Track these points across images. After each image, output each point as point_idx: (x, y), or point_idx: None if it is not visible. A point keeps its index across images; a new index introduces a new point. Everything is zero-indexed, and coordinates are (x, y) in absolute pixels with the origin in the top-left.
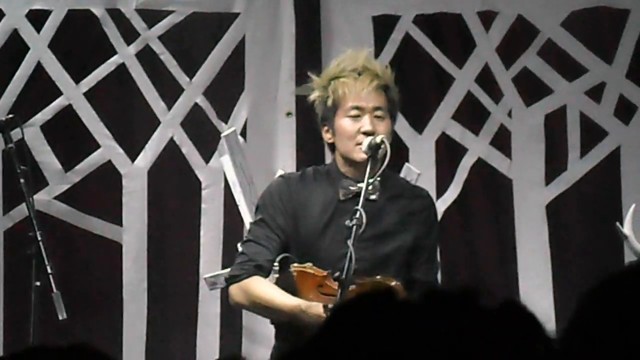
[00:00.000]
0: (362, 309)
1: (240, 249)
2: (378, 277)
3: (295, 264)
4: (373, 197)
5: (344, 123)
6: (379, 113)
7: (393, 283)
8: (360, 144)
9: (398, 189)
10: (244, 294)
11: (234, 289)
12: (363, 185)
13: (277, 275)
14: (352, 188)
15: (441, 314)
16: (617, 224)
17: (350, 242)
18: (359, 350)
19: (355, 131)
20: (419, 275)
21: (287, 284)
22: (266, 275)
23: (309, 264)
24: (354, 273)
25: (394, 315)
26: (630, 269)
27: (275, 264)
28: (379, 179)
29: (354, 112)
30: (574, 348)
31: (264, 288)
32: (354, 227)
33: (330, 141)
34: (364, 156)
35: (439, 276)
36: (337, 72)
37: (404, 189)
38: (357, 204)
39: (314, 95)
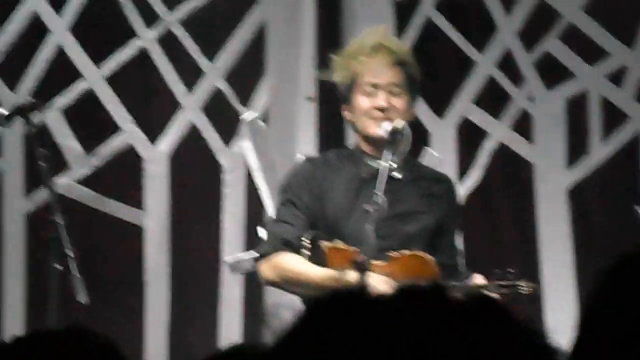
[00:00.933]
0: (335, 305)
1: (265, 230)
2: (409, 251)
3: (325, 242)
4: (398, 175)
5: (360, 99)
6: (394, 89)
7: (428, 257)
8: (374, 118)
9: (421, 171)
10: (274, 269)
11: (263, 266)
12: (385, 163)
13: (307, 253)
14: (374, 165)
15: (412, 308)
16: (636, 207)
17: (368, 225)
18: (330, 346)
19: (370, 107)
20: (443, 259)
21: (318, 260)
22: (295, 251)
23: (339, 241)
24: (381, 251)
25: (366, 311)
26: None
27: (307, 240)
28: (403, 157)
29: (369, 89)
30: (593, 326)
31: (295, 262)
32: (373, 211)
33: (350, 119)
34: (380, 132)
35: (460, 260)
36: (354, 51)
37: (426, 172)
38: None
39: (335, 76)
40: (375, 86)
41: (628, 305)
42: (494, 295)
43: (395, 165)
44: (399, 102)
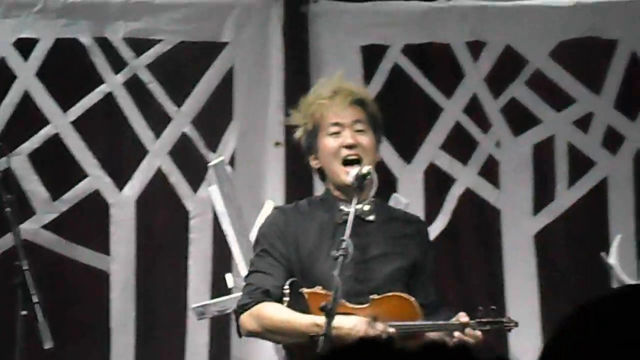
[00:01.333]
0: (361, 356)
1: (244, 282)
2: (390, 293)
3: (305, 289)
4: (370, 217)
5: (326, 141)
6: (359, 126)
7: (409, 297)
8: (345, 159)
9: (392, 214)
10: (256, 320)
11: (244, 318)
12: (358, 206)
13: (287, 299)
14: (347, 209)
15: None
16: (603, 253)
17: (335, 273)
18: None
19: (338, 146)
20: (420, 299)
21: (299, 307)
22: (276, 300)
23: (319, 287)
24: (361, 295)
25: None
26: (603, 296)
27: (286, 288)
28: (372, 200)
29: (334, 129)
30: None
31: (277, 311)
32: (340, 257)
33: (318, 166)
34: (351, 177)
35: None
36: (314, 98)
37: (397, 214)
38: (357, 225)
39: (298, 131)
40: (339, 125)
41: (580, 353)
42: (478, 332)
43: (366, 209)
44: (365, 139)
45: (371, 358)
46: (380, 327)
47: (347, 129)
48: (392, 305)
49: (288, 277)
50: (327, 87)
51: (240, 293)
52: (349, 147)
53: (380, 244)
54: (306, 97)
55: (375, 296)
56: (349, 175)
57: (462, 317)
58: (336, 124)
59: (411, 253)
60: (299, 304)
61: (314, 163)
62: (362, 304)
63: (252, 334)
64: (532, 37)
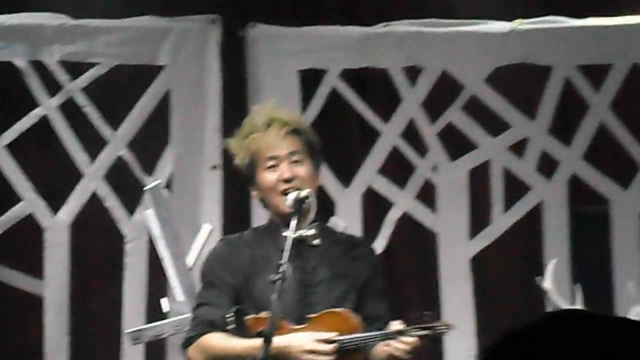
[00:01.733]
0: None
1: (192, 314)
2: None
3: (249, 315)
4: (316, 242)
5: (264, 176)
6: (295, 157)
7: (344, 311)
8: (284, 192)
9: (337, 236)
10: (200, 351)
11: (191, 351)
12: (302, 231)
13: (232, 327)
14: (292, 234)
15: None
16: (538, 278)
17: (274, 297)
18: None
19: (275, 180)
20: (367, 311)
21: (242, 333)
22: (221, 330)
23: (264, 312)
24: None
25: None
26: (533, 322)
27: (230, 315)
28: (317, 224)
29: (270, 163)
30: None
31: (220, 339)
32: (278, 282)
33: (259, 197)
34: (289, 201)
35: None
36: (249, 130)
37: (342, 237)
38: (302, 249)
39: (236, 159)
40: (275, 158)
41: None
42: (413, 339)
43: (310, 233)
44: (302, 170)
45: None
46: (324, 337)
47: (283, 162)
48: (330, 321)
49: (234, 306)
50: (261, 117)
51: (176, 317)
52: (287, 180)
53: (326, 268)
54: (242, 127)
55: (312, 315)
56: (287, 199)
57: (396, 325)
58: (272, 157)
59: (360, 275)
60: (242, 331)
61: (254, 194)
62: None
63: None
64: (468, 63)
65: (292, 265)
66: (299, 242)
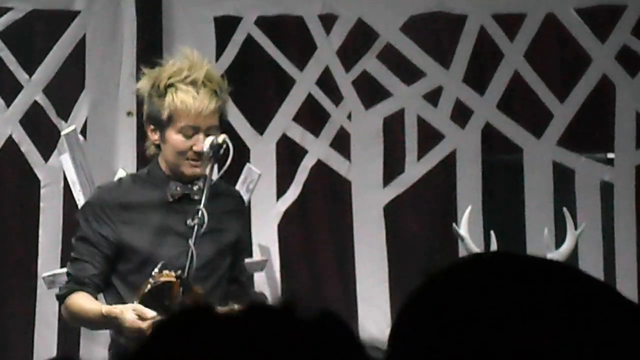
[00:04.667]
0: (181, 323)
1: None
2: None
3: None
4: (197, 197)
5: (177, 139)
6: (212, 132)
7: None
8: (189, 159)
9: (216, 189)
10: (65, 311)
11: (62, 309)
12: (191, 187)
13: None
14: (179, 190)
15: (260, 327)
16: (454, 225)
17: (191, 242)
18: None
19: (187, 148)
20: (242, 277)
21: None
22: (93, 290)
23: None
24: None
25: (213, 330)
26: (451, 266)
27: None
28: (199, 179)
29: (189, 132)
30: (398, 343)
31: (77, 301)
32: (196, 227)
33: (156, 142)
34: (195, 172)
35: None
36: (175, 80)
37: (220, 188)
38: (186, 205)
39: (144, 88)
40: (195, 128)
41: (427, 325)
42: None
43: (195, 188)
44: None
45: (190, 327)
46: (150, 315)
47: (201, 134)
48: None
49: (110, 260)
50: (192, 73)
51: None
52: (198, 153)
53: (208, 221)
54: (166, 68)
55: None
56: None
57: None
58: (192, 127)
59: (234, 229)
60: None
61: (153, 137)
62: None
63: (68, 323)
64: (383, 11)
65: (177, 219)
66: (184, 196)
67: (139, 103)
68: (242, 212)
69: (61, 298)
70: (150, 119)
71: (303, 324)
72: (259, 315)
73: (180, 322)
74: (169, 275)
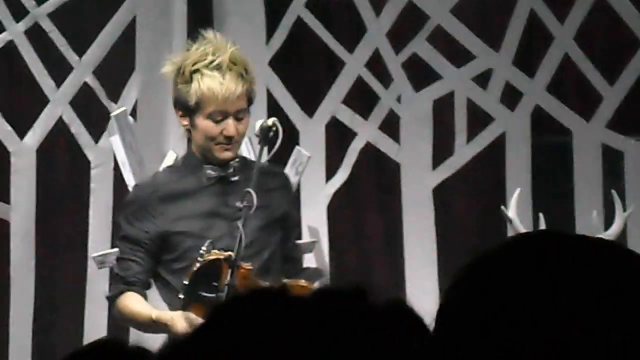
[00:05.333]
0: (250, 305)
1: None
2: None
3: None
4: (234, 178)
5: (207, 125)
6: (241, 115)
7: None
8: (220, 143)
9: (258, 168)
10: (117, 313)
11: (113, 311)
12: (226, 169)
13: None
14: (214, 173)
15: (331, 311)
16: (503, 207)
17: (240, 223)
18: (244, 348)
19: (218, 133)
20: (292, 252)
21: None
22: (141, 288)
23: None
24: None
25: (283, 313)
26: (498, 247)
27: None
28: (235, 161)
29: (217, 117)
30: (446, 325)
31: (128, 304)
32: (244, 209)
33: (186, 127)
34: (227, 155)
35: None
36: (200, 65)
37: (263, 167)
38: (226, 186)
39: (168, 74)
40: (224, 113)
41: (475, 305)
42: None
43: (230, 171)
44: (242, 127)
45: (264, 308)
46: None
47: (230, 118)
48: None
49: (153, 256)
50: (217, 56)
51: None
52: (228, 137)
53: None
54: (192, 53)
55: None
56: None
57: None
58: (221, 111)
59: (279, 205)
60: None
61: (183, 122)
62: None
63: (121, 324)
64: None
65: (217, 202)
66: (221, 178)
67: None
68: (287, 189)
69: (111, 299)
70: (178, 105)
71: (375, 309)
72: (331, 299)
73: (253, 303)
74: (217, 254)
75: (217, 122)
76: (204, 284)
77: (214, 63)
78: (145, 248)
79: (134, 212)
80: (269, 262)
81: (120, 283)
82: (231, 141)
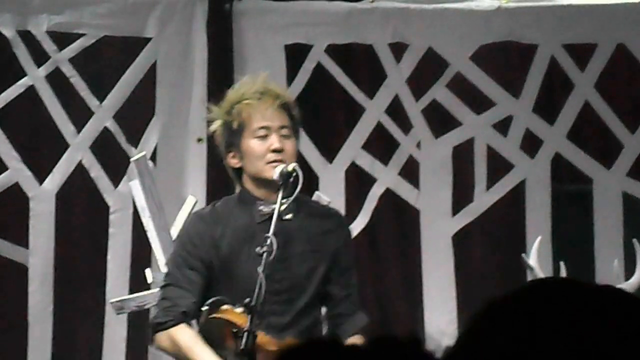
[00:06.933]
0: (308, 355)
1: (160, 292)
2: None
3: (214, 311)
4: (288, 216)
5: (253, 144)
6: (284, 132)
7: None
8: (270, 162)
9: (311, 210)
10: (170, 342)
11: (161, 336)
12: (276, 206)
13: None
14: (266, 210)
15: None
16: (523, 255)
17: (260, 269)
18: None
19: (265, 150)
20: (335, 290)
21: (210, 331)
22: (192, 319)
23: (226, 307)
24: (273, 293)
25: None
26: (516, 291)
27: (205, 308)
28: (292, 199)
29: (261, 132)
30: None
31: (188, 340)
32: (264, 254)
33: (237, 166)
34: (276, 175)
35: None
36: (239, 97)
37: (316, 209)
38: (276, 224)
39: (215, 125)
40: (267, 129)
41: (491, 344)
42: None
43: (283, 208)
44: (289, 145)
45: (320, 358)
46: None
47: (274, 134)
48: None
49: (206, 287)
50: (253, 88)
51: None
52: (276, 151)
53: (299, 242)
54: (230, 94)
55: (270, 348)
56: (275, 172)
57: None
58: (264, 127)
59: (330, 247)
60: (213, 327)
61: (232, 162)
62: (277, 315)
63: (164, 351)
64: (453, 40)
65: (262, 240)
66: (272, 217)
67: (210, 129)
68: (341, 230)
69: (162, 326)
70: (226, 145)
71: (431, 358)
72: (388, 349)
73: (307, 355)
74: (225, 312)
75: (262, 138)
76: (208, 338)
77: (251, 91)
78: (200, 279)
79: (192, 240)
80: (308, 310)
81: (174, 311)
82: (279, 156)
